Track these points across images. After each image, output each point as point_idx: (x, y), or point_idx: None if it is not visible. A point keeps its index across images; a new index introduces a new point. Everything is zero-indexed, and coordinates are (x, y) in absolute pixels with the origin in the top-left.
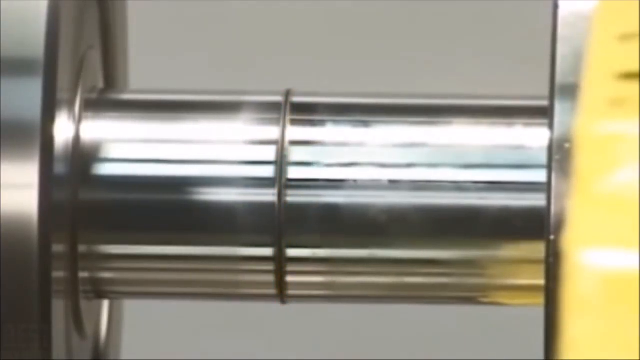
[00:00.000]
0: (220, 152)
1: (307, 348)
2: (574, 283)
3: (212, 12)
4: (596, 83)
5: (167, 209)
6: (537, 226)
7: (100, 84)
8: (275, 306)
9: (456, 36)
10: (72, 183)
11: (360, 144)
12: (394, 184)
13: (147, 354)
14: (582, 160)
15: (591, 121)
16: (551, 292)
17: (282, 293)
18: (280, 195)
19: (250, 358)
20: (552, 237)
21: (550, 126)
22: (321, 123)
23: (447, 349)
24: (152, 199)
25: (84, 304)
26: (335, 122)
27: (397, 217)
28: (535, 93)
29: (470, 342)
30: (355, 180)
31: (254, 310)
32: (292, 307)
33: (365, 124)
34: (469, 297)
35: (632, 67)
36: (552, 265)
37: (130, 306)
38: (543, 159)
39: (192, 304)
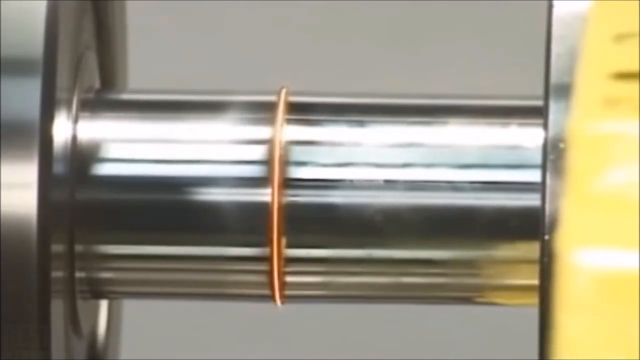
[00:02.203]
0: (216, 151)
1: (307, 348)
2: (567, 282)
3: (212, 12)
4: (590, 83)
5: (164, 208)
6: (534, 226)
7: (97, 84)
8: (271, 307)
9: (454, 35)
10: (69, 183)
11: (355, 144)
12: (389, 184)
13: (147, 354)
14: (576, 159)
15: (585, 121)
16: (545, 292)
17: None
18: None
19: (251, 358)
20: (546, 237)
21: (545, 126)
22: (317, 123)
23: (444, 349)
24: (149, 199)
25: (80, 303)
26: (330, 121)
27: (393, 217)
28: (533, 93)
29: (467, 341)
30: (351, 180)
31: (254, 310)
32: (289, 308)
33: (361, 123)
34: (465, 297)
35: (627, 66)
36: (546, 265)
37: (131, 306)
38: (539, 159)
39: (191, 304)
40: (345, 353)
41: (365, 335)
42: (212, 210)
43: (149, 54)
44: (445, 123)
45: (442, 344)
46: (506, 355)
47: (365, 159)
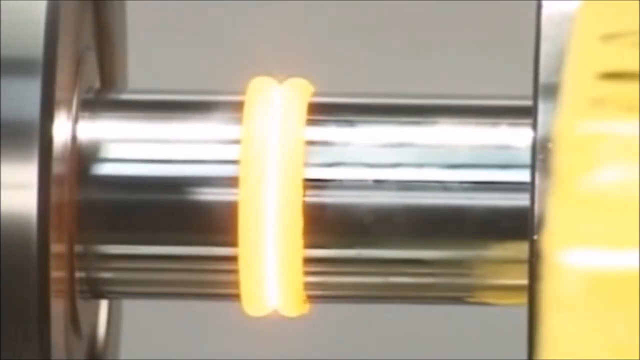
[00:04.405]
0: (218, 151)
1: (306, 347)
2: (552, 282)
3: (212, 12)
4: (578, 82)
5: (164, 208)
6: (524, 226)
7: (97, 84)
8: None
9: (445, 36)
10: (69, 183)
11: (345, 144)
12: (379, 184)
13: (147, 354)
14: (562, 159)
15: (572, 121)
16: (533, 292)
17: None
18: None
19: (251, 358)
20: (535, 236)
21: (534, 126)
22: (308, 122)
23: (436, 349)
24: (149, 199)
25: (80, 303)
26: (320, 121)
27: (383, 217)
28: (523, 93)
29: (459, 341)
30: (340, 180)
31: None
32: None
33: (351, 123)
34: (456, 297)
35: (614, 66)
36: (534, 264)
37: (131, 306)
38: (529, 158)
39: (191, 304)
40: (344, 353)
41: (363, 335)
42: (213, 210)
43: (149, 54)
44: (435, 123)
45: (434, 344)
46: (498, 355)
47: (355, 159)
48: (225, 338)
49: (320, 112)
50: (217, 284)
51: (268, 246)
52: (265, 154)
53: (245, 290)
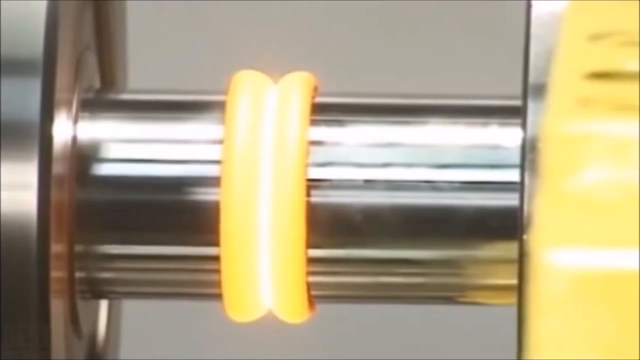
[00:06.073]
0: (216, 151)
1: (305, 348)
2: (539, 282)
3: (212, 12)
4: (565, 82)
5: (164, 208)
6: (514, 226)
7: (97, 84)
8: None
9: (437, 36)
10: (69, 183)
11: (335, 144)
12: (369, 184)
13: (147, 354)
14: (549, 159)
15: (559, 121)
16: (522, 292)
17: None
18: None
19: (250, 358)
20: (524, 236)
21: (523, 125)
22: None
23: (430, 349)
24: (149, 199)
25: (80, 303)
26: (310, 121)
27: (373, 217)
28: (514, 92)
29: (461, 341)
30: (331, 180)
31: None
32: None
33: (340, 123)
34: (446, 296)
35: (601, 66)
36: (523, 264)
37: (131, 306)
38: (519, 158)
39: (191, 304)
40: (342, 353)
41: (362, 335)
42: (216, 209)
43: (149, 54)
44: (425, 123)
45: (433, 344)
46: (497, 355)
47: (345, 159)
48: (225, 338)
49: (311, 112)
50: (219, 284)
51: (262, 248)
52: (256, 152)
53: (233, 294)
